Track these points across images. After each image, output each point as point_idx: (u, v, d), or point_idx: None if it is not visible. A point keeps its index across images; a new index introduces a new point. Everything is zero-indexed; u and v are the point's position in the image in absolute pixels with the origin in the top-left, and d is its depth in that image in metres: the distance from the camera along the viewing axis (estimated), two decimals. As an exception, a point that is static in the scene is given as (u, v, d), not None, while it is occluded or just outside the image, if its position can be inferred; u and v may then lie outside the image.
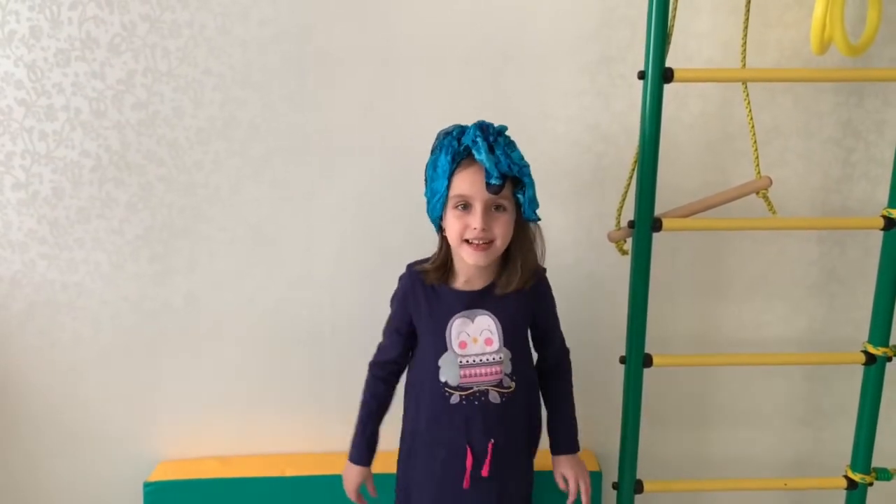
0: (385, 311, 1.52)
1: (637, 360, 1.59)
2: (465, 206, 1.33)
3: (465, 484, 1.43)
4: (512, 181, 1.34)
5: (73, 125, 1.69)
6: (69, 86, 1.66)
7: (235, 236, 1.78)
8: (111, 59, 1.66)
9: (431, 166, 1.38)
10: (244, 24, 1.66)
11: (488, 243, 1.34)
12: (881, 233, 1.54)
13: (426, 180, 1.40)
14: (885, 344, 1.58)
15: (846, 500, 1.69)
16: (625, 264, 1.60)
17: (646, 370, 1.60)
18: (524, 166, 1.34)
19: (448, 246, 1.42)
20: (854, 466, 1.66)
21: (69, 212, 1.74)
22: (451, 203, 1.34)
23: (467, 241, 1.34)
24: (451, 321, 1.42)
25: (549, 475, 1.57)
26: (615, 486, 1.69)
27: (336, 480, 1.62)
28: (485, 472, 1.43)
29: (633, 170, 1.55)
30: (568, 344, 1.58)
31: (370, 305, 1.77)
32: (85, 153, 1.71)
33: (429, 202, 1.39)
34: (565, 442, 1.53)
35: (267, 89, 1.70)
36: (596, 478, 1.83)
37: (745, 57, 1.56)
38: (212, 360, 1.86)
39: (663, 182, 1.52)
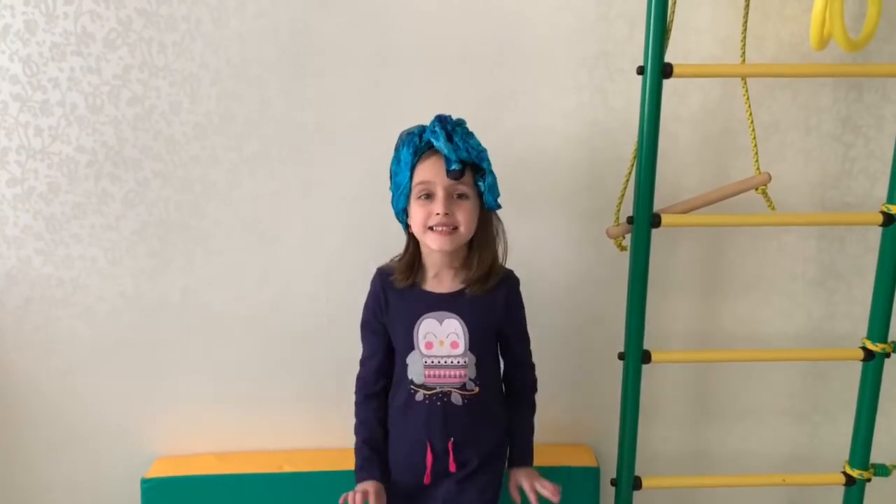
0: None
1: (636, 356, 1.58)
2: (428, 195, 1.36)
3: (426, 479, 1.46)
4: (472, 171, 1.37)
5: (68, 120, 1.68)
6: (65, 81, 1.65)
7: (232, 232, 1.77)
8: (107, 54, 1.65)
9: (395, 162, 1.41)
10: (240, 17, 1.65)
11: (453, 230, 1.36)
12: (880, 228, 1.54)
13: (390, 177, 1.43)
14: (884, 340, 1.58)
15: (844, 497, 1.69)
16: (623, 260, 1.59)
17: (644, 366, 1.60)
18: (482, 151, 1.37)
19: (415, 243, 1.44)
20: (852, 462, 1.66)
21: (65, 207, 1.73)
22: (414, 193, 1.37)
23: (431, 228, 1.36)
24: (419, 321, 1.43)
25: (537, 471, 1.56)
26: (613, 482, 1.69)
27: (333, 477, 1.62)
28: (451, 467, 1.45)
29: (632, 165, 1.55)
30: (566, 340, 1.57)
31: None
32: (81, 148, 1.70)
33: (393, 196, 1.42)
34: (521, 455, 1.54)
35: (264, 84, 1.69)
36: (594, 474, 1.83)
37: (744, 52, 1.56)
38: (209, 356, 1.85)
39: (662, 178, 1.52)
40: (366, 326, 1.52)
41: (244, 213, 1.76)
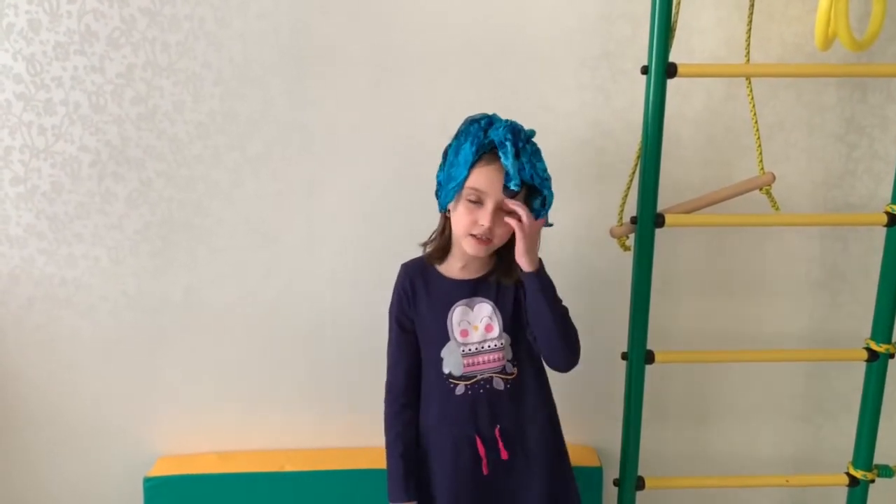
0: (385, 307, 1.50)
1: (639, 356, 1.58)
2: (477, 200, 1.33)
3: (485, 470, 1.42)
4: (528, 189, 1.34)
5: (72, 119, 1.68)
6: (68, 80, 1.65)
7: (235, 231, 1.77)
8: (110, 53, 1.65)
9: (453, 151, 1.36)
10: (243, 17, 1.65)
11: (490, 240, 1.34)
12: (884, 229, 1.54)
13: (443, 163, 1.39)
14: (888, 341, 1.57)
15: (848, 497, 1.69)
16: (627, 260, 1.59)
17: (648, 366, 1.60)
18: (546, 179, 1.34)
19: (450, 229, 1.41)
20: (856, 463, 1.66)
21: (68, 207, 1.73)
22: (464, 194, 1.33)
23: (472, 234, 1.34)
24: (451, 310, 1.42)
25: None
26: (616, 482, 1.69)
27: (335, 476, 1.61)
28: (503, 454, 1.42)
29: (636, 165, 1.54)
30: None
31: (370, 300, 1.77)
32: (84, 148, 1.70)
33: (442, 186, 1.39)
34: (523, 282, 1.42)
35: (266, 83, 1.69)
36: (597, 474, 1.83)
37: (748, 52, 1.56)
38: (211, 356, 1.85)
39: (666, 178, 1.51)
40: (396, 327, 1.48)
41: (247, 213, 1.76)
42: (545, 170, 1.35)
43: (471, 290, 1.43)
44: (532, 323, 1.40)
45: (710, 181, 1.71)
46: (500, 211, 1.32)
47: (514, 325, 1.43)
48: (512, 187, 1.29)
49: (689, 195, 1.60)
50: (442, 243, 1.44)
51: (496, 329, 1.42)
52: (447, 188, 1.36)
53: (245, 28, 1.65)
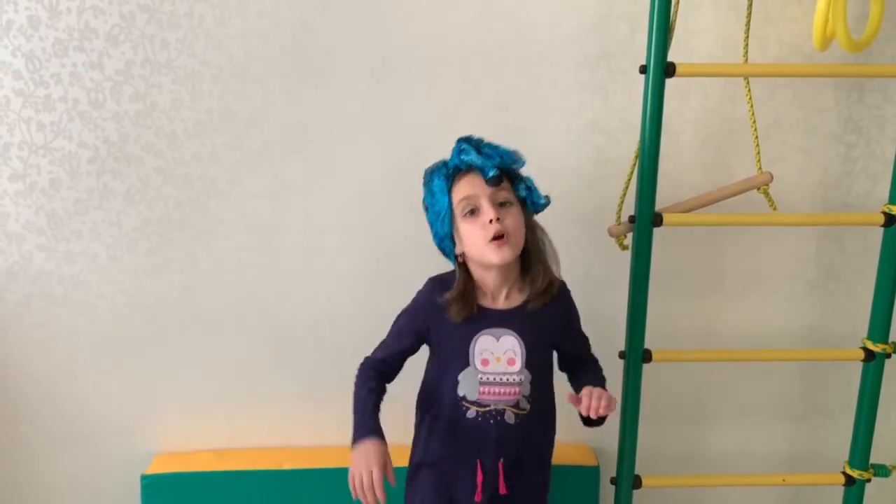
0: (384, 305, 1.50)
1: (636, 355, 1.58)
2: (473, 210, 1.34)
3: (478, 497, 1.41)
4: (509, 180, 1.36)
5: (70, 116, 1.68)
6: (67, 76, 1.65)
7: (233, 229, 1.77)
8: (109, 50, 1.65)
9: (428, 196, 1.39)
10: (243, 15, 1.65)
11: (507, 235, 1.32)
12: (881, 229, 1.54)
13: (426, 211, 1.40)
14: (885, 340, 1.58)
15: (844, 497, 1.69)
16: (625, 259, 1.59)
17: (645, 365, 1.60)
18: (512, 153, 1.36)
19: (466, 271, 1.40)
20: (852, 463, 1.66)
21: (66, 203, 1.73)
22: (458, 213, 1.35)
23: (492, 240, 1.31)
24: (475, 337, 1.40)
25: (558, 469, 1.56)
26: (613, 481, 1.69)
27: (333, 474, 1.61)
28: (501, 489, 1.41)
29: (634, 164, 1.55)
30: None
31: (369, 299, 1.78)
32: (83, 144, 1.70)
33: (433, 227, 1.39)
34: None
35: (266, 82, 1.69)
36: (594, 473, 1.83)
37: (747, 52, 1.56)
38: (209, 353, 1.85)
39: (664, 177, 1.52)
40: (404, 329, 1.46)
41: (245, 211, 1.76)
42: (507, 149, 1.37)
43: (499, 319, 1.40)
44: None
45: (708, 181, 1.71)
46: (499, 207, 1.33)
47: (538, 361, 1.42)
48: (491, 174, 1.31)
49: (686, 195, 1.61)
50: (460, 290, 1.39)
51: (518, 364, 1.40)
52: (437, 223, 1.37)
53: (244, 26, 1.66)
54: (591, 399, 1.31)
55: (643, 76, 1.45)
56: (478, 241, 1.33)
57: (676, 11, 1.46)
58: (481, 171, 1.32)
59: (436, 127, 1.69)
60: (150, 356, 1.85)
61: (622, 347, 1.61)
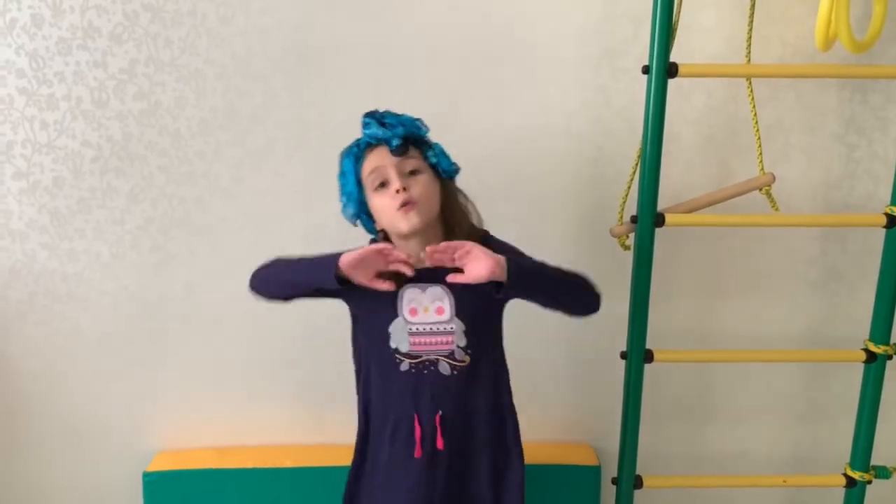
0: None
1: (638, 355, 1.58)
2: (382, 183, 1.34)
3: (417, 453, 1.39)
4: (418, 148, 1.37)
5: (74, 115, 1.68)
6: (71, 75, 1.66)
7: (236, 227, 1.77)
8: (113, 49, 1.65)
9: (340, 176, 1.41)
10: (245, 13, 1.65)
11: (414, 202, 1.32)
12: (883, 230, 1.54)
13: (340, 193, 1.41)
14: (886, 342, 1.58)
15: (845, 498, 1.69)
16: (627, 259, 1.59)
17: (646, 365, 1.60)
18: (415, 120, 1.38)
19: (389, 241, 1.40)
20: (853, 464, 1.66)
21: (70, 202, 1.74)
22: (368, 187, 1.36)
23: (399, 208, 1.32)
24: (402, 289, 1.38)
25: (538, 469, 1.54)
26: (614, 481, 1.69)
27: (334, 472, 1.61)
28: (439, 444, 1.39)
29: (636, 164, 1.55)
30: (569, 338, 1.56)
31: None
32: (86, 143, 1.70)
33: (346, 207, 1.40)
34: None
35: (268, 79, 1.69)
36: (595, 472, 1.83)
37: (749, 52, 1.56)
38: (211, 351, 1.86)
39: (666, 177, 1.52)
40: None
41: (248, 209, 1.76)
42: (410, 116, 1.38)
43: (424, 275, 1.37)
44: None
45: (710, 181, 1.71)
46: (408, 176, 1.34)
47: (472, 313, 1.39)
48: (394, 143, 1.32)
49: (689, 195, 1.61)
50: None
51: (447, 312, 1.38)
52: (349, 203, 1.39)
53: (247, 24, 1.66)
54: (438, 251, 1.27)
55: (646, 76, 1.45)
56: (388, 210, 1.34)
57: (679, 11, 1.46)
58: (386, 142, 1.33)
59: (438, 125, 1.69)
60: (153, 354, 1.85)
61: (624, 347, 1.61)
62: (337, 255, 1.33)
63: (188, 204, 1.75)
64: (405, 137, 1.34)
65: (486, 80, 1.70)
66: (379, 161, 1.34)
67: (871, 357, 1.59)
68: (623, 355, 1.62)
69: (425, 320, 1.39)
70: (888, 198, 1.53)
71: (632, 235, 1.57)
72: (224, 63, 1.67)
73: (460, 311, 1.39)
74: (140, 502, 1.84)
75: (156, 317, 1.83)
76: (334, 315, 1.83)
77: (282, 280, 1.47)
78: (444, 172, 1.39)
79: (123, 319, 1.82)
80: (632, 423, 1.64)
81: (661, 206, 1.52)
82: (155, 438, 1.91)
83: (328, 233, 1.78)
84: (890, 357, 1.59)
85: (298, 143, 1.73)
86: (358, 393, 1.50)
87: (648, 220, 1.50)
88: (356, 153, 1.38)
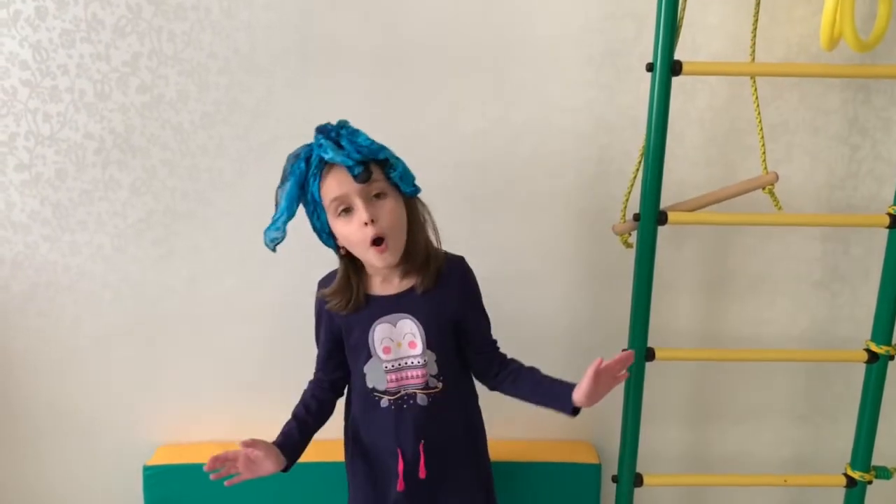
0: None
1: (639, 353, 1.58)
2: (347, 209, 1.29)
3: (400, 486, 1.42)
4: (380, 167, 1.29)
5: (77, 107, 1.68)
6: (74, 67, 1.66)
7: (238, 221, 1.77)
8: (116, 42, 1.65)
9: (283, 195, 1.32)
10: (249, 7, 1.65)
11: (384, 236, 1.28)
12: (885, 231, 1.54)
13: (278, 210, 1.33)
14: (888, 342, 1.58)
15: (845, 498, 1.69)
16: (629, 257, 1.59)
17: (647, 364, 1.60)
18: (372, 143, 1.29)
19: (347, 262, 1.38)
20: (854, 464, 1.66)
21: (72, 194, 1.74)
22: (331, 213, 1.30)
23: (373, 244, 1.28)
24: (372, 327, 1.38)
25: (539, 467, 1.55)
26: (615, 479, 1.70)
27: (333, 467, 1.61)
28: (421, 473, 1.42)
29: (640, 163, 1.55)
30: (570, 335, 1.56)
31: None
32: (89, 135, 1.70)
33: (273, 224, 1.33)
34: (566, 387, 1.37)
35: (272, 74, 1.69)
36: (595, 471, 1.83)
37: (754, 51, 1.56)
38: (212, 345, 1.86)
39: (669, 176, 1.52)
40: (319, 341, 1.47)
41: (250, 203, 1.76)
42: (367, 138, 1.29)
43: (392, 305, 1.38)
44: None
45: (713, 180, 1.71)
46: (374, 201, 1.28)
47: (438, 340, 1.40)
48: (356, 172, 1.25)
49: (691, 193, 1.61)
50: (341, 283, 1.39)
51: (419, 346, 1.39)
52: (280, 223, 1.32)
53: (251, 18, 1.66)
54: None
55: (650, 74, 1.45)
56: (357, 241, 1.29)
57: (684, 10, 1.45)
58: (347, 168, 1.25)
59: (441, 122, 1.70)
60: (154, 347, 1.85)
61: (625, 345, 1.61)
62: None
63: (191, 197, 1.75)
64: (365, 162, 1.27)
65: (490, 78, 1.69)
66: (340, 188, 1.27)
67: (872, 357, 1.59)
68: (624, 353, 1.61)
69: (399, 356, 1.40)
70: (891, 198, 1.53)
71: (634, 233, 1.57)
72: (227, 57, 1.67)
73: (430, 343, 1.39)
74: (140, 496, 1.84)
75: (157, 310, 1.83)
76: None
77: None
78: (406, 193, 1.33)
79: (125, 312, 1.82)
80: (632, 421, 1.64)
81: (663, 205, 1.52)
82: (155, 432, 1.91)
83: (330, 228, 1.78)
84: (891, 357, 1.59)
85: (301, 138, 1.72)
86: (346, 421, 1.55)
87: (651, 218, 1.50)
88: (301, 176, 1.29)
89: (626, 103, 1.70)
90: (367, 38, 1.67)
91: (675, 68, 1.42)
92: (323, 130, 1.30)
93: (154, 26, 1.65)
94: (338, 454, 1.59)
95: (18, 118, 1.68)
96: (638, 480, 1.66)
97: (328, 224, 1.33)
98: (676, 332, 1.83)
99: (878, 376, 1.60)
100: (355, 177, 1.25)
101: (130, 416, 1.90)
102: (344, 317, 1.40)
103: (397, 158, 1.33)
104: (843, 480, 1.66)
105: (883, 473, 1.66)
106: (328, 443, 1.88)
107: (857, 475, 1.65)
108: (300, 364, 1.87)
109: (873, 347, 1.58)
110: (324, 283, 1.45)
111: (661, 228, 1.51)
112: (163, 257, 1.79)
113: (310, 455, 1.83)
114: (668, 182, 1.51)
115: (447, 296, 1.39)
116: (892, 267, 1.54)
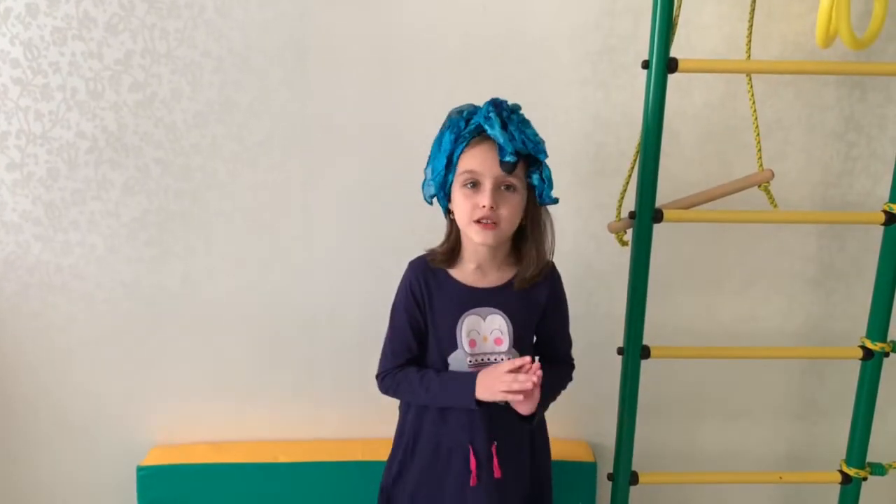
0: (382, 299, 1.48)
1: (635, 351, 1.58)
2: (475, 183, 1.29)
3: (473, 482, 1.39)
4: (525, 163, 1.30)
5: (69, 105, 1.67)
6: (66, 65, 1.64)
7: (232, 221, 1.76)
8: (109, 39, 1.64)
9: (436, 143, 1.33)
10: (243, 6, 1.64)
11: (496, 223, 1.29)
12: (880, 228, 1.54)
13: (429, 157, 1.36)
14: (883, 339, 1.58)
15: (840, 495, 1.70)
16: (624, 255, 1.59)
17: (643, 362, 1.60)
18: (539, 142, 1.30)
19: (457, 230, 1.36)
20: (849, 461, 1.66)
21: (64, 193, 1.72)
22: (458, 181, 1.30)
23: (477, 221, 1.28)
24: (462, 317, 1.37)
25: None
26: (610, 476, 1.69)
27: (328, 467, 1.60)
28: (497, 473, 1.39)
29: (635, 160, 1.54)
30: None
31: (367, 292, 1.77)
32: (81, 134, 1.69)
33: (425, 179, 1.35)
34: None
35: (266, 73, 1.68)
36: (591, 469, 1.83)
37: (749, 48, 1.55)
38: (206, 346, 1.85)
39: (664, 174, 1.51)
40: (405, 325, 1.40)
41: (244, 203, 1.75)
42: (536, 134, 1.31)
43: (484, 298, 1.37)
44: None
45: (709, 177, 1.71)
46: (502, 191, 1.29)
47: (523, 340, 1.39)
48: (507, 159, 1.25)
49: (687, 191, 1.60)
50: (450, 245, 1.38)
51: (506, 343, 1.38)
52: (429, 180, 1.34)
53: (245, 17, 1.65)
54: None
55: (645, 71, 1.44)
56: (466, 213, 1.29)
57: (680, 7, 1.45)
58: (500, 150, 1.26)
59: (436, 120, 1.68)
60: (148, 347, 1.84)
61: (621, 343, 1.61)
62: (471, 383, 1.32)
63: (184, 197, 1.74)
64: (519, 154, 1.27)
65: (486, 75, 1.69)
66: (480, 164, 1.27)
67: (867, 354, 1.59)
68: (620, 351, 1.62)
69: (484, 350, 1.38)
70: (886, 195, 1.53)
71: (630, 231, 1.56)
72: (221, 56, 1.66)
73: (517, 342, 1.38)
74: (134, 496, 1.83)
75: (151, 310, 1.82)
76: (332, 311, 1.84)
77: (417, 401, 1.43)
78: (541, 199, 1.33)
79: (118, 312, 1.81)
80: (628, 419, 1.64)
81: (659, 203, 1.51)
82: (150, 432, 1.90)
83: (326, 228, 1.78)
84: (887, 354, 1.59)
85: (296, 138, 1.72)
86: (402, 409, 1.49)
87: (646, 215, 1.50)
88: (459, 133, 1.29)
89: (621, 101, 1.70)
90: (362, 37, 1.67)
91: (670, 66, 1.42)
92: (497, 105, 1.29)
93: (147, 24, 1.63)
94: (338, 454, 1.58)
95: (10, 117, 1.66)
96: (634, 478, 1.66)
97: (440, 188, 1.33)
98: (672, 330, 1.82)
99: (872, 373, 1.60)
100: (503, 163, 1.26)
101: (124, 417, 1.89)
102: (436, 301, 1.38)
103: (547, 159, 1.33)
104: (839, 477, 1.67)
105: (878, 470, 1.66)
106: (328, 442, 1.88)
107: (852, 472, 1.65)
108: (293, 364, 1.88)
109: (868, 344, 1.58)
110: (416, 262, 1.42)
111: (656, 226, 1.51)
112: (156, 257, 1.78)
113: (310, 455, 1.84)
114: (664, 180, 1.51)
115: (538, 297, 1.39)
116: (887, 264, 1.55)
